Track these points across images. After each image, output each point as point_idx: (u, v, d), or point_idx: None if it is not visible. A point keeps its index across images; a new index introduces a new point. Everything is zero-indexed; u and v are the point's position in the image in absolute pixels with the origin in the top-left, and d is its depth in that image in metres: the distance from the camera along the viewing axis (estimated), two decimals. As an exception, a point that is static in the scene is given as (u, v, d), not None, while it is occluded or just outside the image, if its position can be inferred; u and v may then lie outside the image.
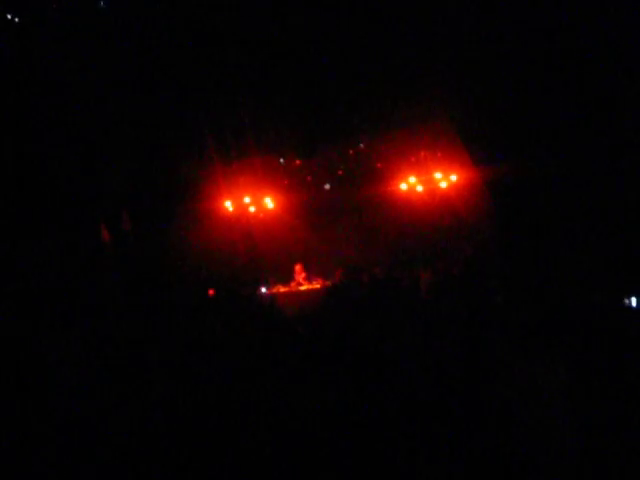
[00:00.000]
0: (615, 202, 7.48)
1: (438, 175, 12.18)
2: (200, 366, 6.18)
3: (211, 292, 12.19)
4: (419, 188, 12.54)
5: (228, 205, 12.95)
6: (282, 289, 12.13)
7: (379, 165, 12.65)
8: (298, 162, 12.35)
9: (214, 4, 8.42)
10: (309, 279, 12.24)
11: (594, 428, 3.83)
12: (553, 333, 5.11)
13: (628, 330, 5.12)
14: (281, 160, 12.39)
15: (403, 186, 12.68)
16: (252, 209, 13.18)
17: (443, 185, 12.20)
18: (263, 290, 12.18)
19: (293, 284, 12.21)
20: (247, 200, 12.96)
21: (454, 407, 4.42)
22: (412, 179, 12.50)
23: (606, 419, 3.89)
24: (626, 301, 6.25)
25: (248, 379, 5.37)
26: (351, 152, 12.25)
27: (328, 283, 11.78)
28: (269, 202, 13.19)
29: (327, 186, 13.31)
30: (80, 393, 5.29)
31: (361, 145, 11.99)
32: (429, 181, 12.37)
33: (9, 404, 4.84)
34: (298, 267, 12.47)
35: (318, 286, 11.83)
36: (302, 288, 11.97)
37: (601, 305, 5.86)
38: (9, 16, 8.18)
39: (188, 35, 8.52)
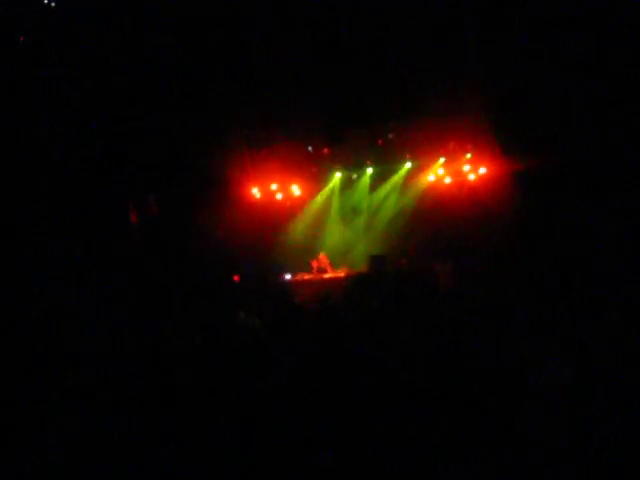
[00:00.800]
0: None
1: (466, 167, 12.05)
2: (220, 350, 6.24)
3: (236, 278, 12.32)
4: (447, 180, 12.43)
5: (255, 192, 12.99)
6: (306, 277, 12.18)
7: (408, 155, 12.56)
8: (326, 150, 12.30)
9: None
10: (333, 268, 12.27)
11: (596, 427, 3.80)
12: (570, 332, 5.04)
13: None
14: (309, 148, 12.35)
15: (431, 177, 12.59)
16: (279, 196, 13.20)
17: (471, 177, 12.07)
18: (287, 277, 12.24)
19: (316, 272, 12.26)
20: (274, 187, 12.98)
21: (469, 401, 4.39)
22: (440, 170, 12.39)
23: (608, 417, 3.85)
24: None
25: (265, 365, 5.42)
26: (380, 142, 12.14)
27: (353, 272, 11.76)
28: (296, 189, 13.21)
29: (354, 176, 13.29)
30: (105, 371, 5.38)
31: (390, 135, 11.87)
32: (458, 173, 12.24)
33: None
34: (322, 256, 12.52)
35: (342, 274, 11.83)
36: (326, 276, 12.00)
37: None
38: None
39: (217, 21, 8.55)
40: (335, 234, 13.56)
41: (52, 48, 8.51)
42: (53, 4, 8.06)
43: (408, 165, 12.69)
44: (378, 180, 13.21)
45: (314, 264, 12.41)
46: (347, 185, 13.49)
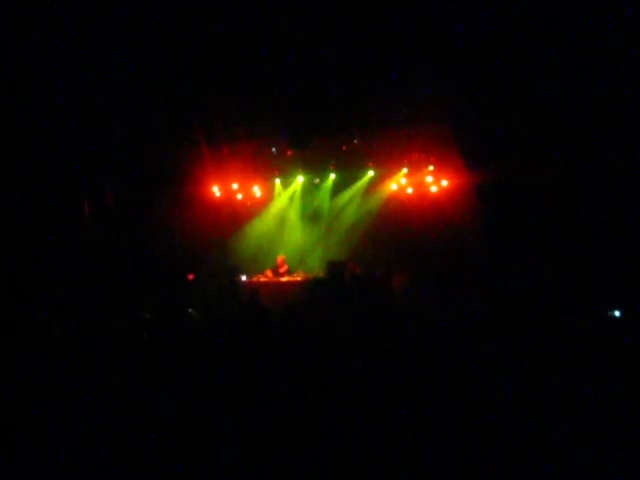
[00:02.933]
0: (602, 213, 7.45)
1: (429, 178, 12.12)
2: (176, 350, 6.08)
3: (190, 276, 12.09)
4: (409, 190, 12.48)
5: (215, 190, 12.79)
6: (262, 279, 12.03)
7: (370, 163, 12.58)
8: (290, 153, 12.20)
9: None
10: (289, 272, 12.16)
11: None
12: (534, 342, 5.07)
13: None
14: (273, 149, 12.22)
15: (393, 186, 12.63)
16: (239, 196, 13.04)
17: (434, 189, 12.14)
18: (243, 278, 12.06)
19: (272, 274, 12.13)
20: (235, 187, 12.81)
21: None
22: (403, 180, 12.44)
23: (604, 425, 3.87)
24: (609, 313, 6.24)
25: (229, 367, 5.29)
26: (344, 147, 12.10)
27: (310, 276, 11.68)
28: (257, 191, 13.07)
29: (316, 180, 13.24)
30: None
31: (355, 141, 11.84)
32: (420, 184, 12.30)
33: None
34: (280, 259, 12.40)
35: (299, 279, 11.73)
36: (283, 279, 11.88)
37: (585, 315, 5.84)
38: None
39: (181, 24, 8.36)
40: (294, 238, 13.47)
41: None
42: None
43: (371, 173, 12.72)
44: (340, 186, 13.18)
45: (278, 268, 12.27)
46: (309, 189, 13.42)
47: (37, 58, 8.47)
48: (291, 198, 13.47)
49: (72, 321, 6.66)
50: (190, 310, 7.75)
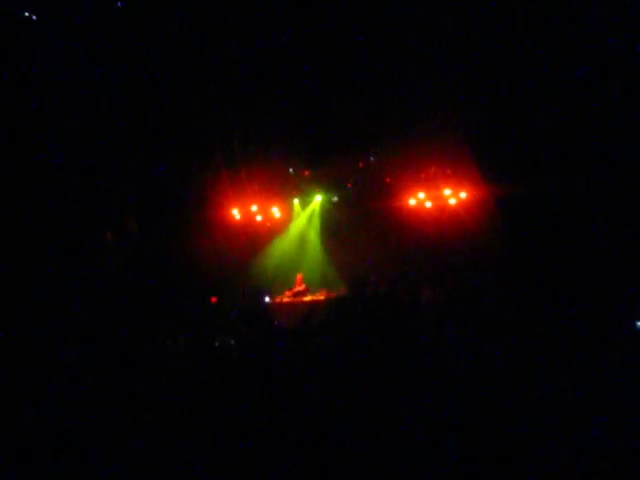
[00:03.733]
0: (626, 222, 7.37)
1: (447, 192, 12.08)
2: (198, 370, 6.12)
3: (214, 300, 12.14)
4: (428, 204, 12.45)
5: (235, 213, 12.88)
6: (286, 299, 12.04)
7: (388, 180, 12.59)
8: (307, 172, 12.28)
9: (224, 14, 8.44)
10: (311, 291, 12.14)
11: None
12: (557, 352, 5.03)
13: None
14: (290, 170, 12.30)
15: (412, 201, 12.60)
16: (259, 218, 13.11)
17: (452, 202, 12.10)
18: (267, 300, 12.09)
19: (291, 294, 12.13)
20: (254, 208, 12.89)
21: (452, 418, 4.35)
22: (421, 195, 12.41)
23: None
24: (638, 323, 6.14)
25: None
26: (361, 165, 12.15)
27: (333, 295, 11.67)
28: (276, 211, 13.14)
29: (335, 198, 13.27)
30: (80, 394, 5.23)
31: (371, 158, 11.89)
32: (438, 197, 12.27)
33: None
34: (299, 277, 12.41)
35: (322, 297, 11.72)
36: (306, 299, 11.87)
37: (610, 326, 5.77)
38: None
39: (198, 40, 8.51)
40: (315, 257, 13.48)
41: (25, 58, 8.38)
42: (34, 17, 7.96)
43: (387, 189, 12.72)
44: (358, 203, 13.20)
45: (297, 286, 12.28)
46: (328, 207, 13.46)
47: (53, 83, 8.64)
48: (310, 217, 13.51)
49: (96, 349, 6.74)
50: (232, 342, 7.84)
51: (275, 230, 13.51)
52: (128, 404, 5.08)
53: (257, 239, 13.40)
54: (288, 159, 11.92)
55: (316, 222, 13.52)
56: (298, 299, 11.98)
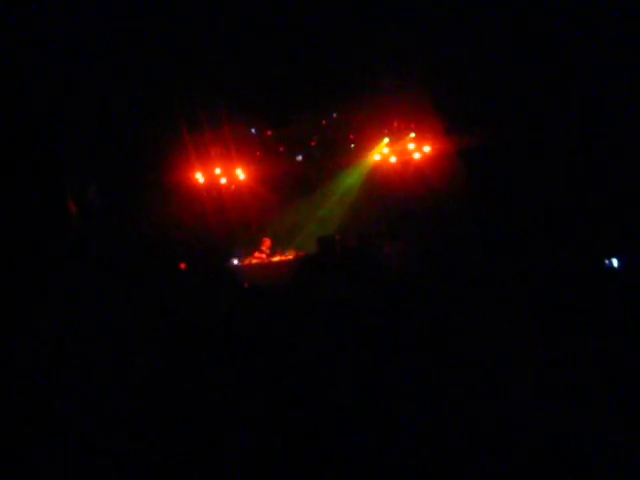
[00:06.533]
0: (593, 165, 7.48)
1: (411, 146, 12.13)
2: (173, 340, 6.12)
3: (182, 266, 12.06)
4: (392, 159, 12.50)
5: (199, 177, 12.70)
6: (254, 261, 12.04)
7: (352, 136, 12.56)
8: (270, 132, 12.13)
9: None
10: (277, 252, 12.16)
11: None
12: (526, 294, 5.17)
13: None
14: (253, 130, 12.14)
15: (376, 157, 12.63)
16: (223, 180, 12.96)
17: (416, 156, 12.16)
18: (235, 262, 12.07)
19: (263, 256, 12.13)
20: (218, 171, 12.72)
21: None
22: (385, 150, 12.45)
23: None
24: (606, 262, 6.31)
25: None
26: (324, 122, 12.05)
27: (302, 254, 11.72)
28: (240, 173, 13.00)
29: (299, 157, 13.19)
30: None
31: (334, 115, 11.79)
32: (403, 152, 12.32)
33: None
34: (265, 240, 12.41)
35: (291, 257, 11.76)
36: (275, 259, 11.89)
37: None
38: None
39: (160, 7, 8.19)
40: (282, 217, 13.47)
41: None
42: None
43: (352, 145, 12.70)
44: (323, 161, 13.17)
45: (263, 248, 12.30)
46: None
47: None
48: (276, 178, 13.42)
49: (71, 318, 6.67)
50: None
51: (240, 192, 13.40)
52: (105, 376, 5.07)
53: (222, 202, 13.27)
54: (250, 120, 11.73)
55: (282, 183, 13.46)
56: (267, 260, 12.00)
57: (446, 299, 6.08)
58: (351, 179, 13.10)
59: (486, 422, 3.75)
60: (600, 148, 7.41)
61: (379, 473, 3.46)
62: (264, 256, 12.14)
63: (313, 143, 12.72)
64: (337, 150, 12.87)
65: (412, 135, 12.03)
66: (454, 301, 5.90)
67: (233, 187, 13.29)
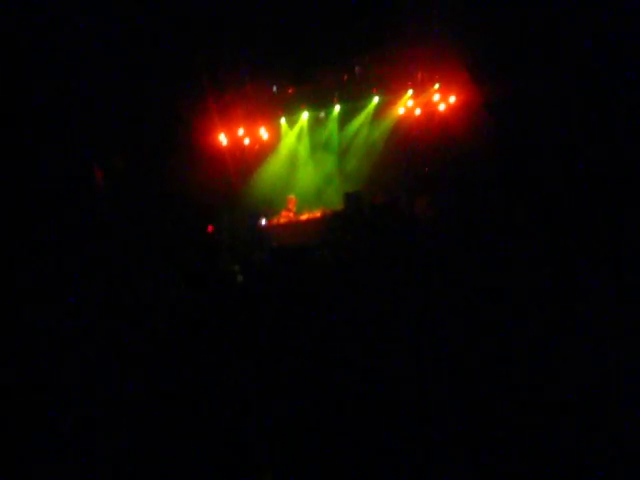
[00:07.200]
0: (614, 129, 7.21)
1: (436, 97, 11.89)
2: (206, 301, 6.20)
3: (210, 228, 12.13)
4: (417, 111, 12.29)
5: (222, 138, 12.64)
6: (282, 220, 12.05)
7: (375, 90, 12.33)
8: (291, 90, 11.96)
9: None
10: (305, 210, 12.13)
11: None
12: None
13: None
14: (274, 88, 11.97)
15: (401, 110, 12.43)
16: (247, 141, 12.89)
17: (442, 107, 11.93)
18: (263, 222, 12.10)
19: (290, 214, 12.13)
20: (241, 132, 12.65)
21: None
22: (410, 102, 12.23)
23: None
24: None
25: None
26: (345, 77, 11.83)
27: (329, 211, 11.66)
28: (264, 133, 12.90)
29: (322, 114, 13.04)
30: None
31: (356, 69, 11.56)
32: (427, 104, 12.09)
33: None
34: (291, 199, 12.39)
35: (318, 215, 11.73)
36: (302, 217, 11.88)
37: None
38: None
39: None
40: (307, 175, 13.41)
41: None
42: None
43: (376, 99, 12.49)
44: (347, 117, 13.00)
45: (289, 207, 12.29)
46: (316, 124, 13.25)
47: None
48: (299, 136, 13.32)
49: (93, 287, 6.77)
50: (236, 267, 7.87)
51: (264, 152, 13.34)
52: (129, 339, 5.16)
53: (247, 163, 13.24)
54: (271, 78, 11.57)
55: (305, 140, 13.36)
56: (295, 218, 12.00)
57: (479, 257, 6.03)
58: (377, 133, 12.94)
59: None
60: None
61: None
62: (291, 214, 12.12)
63: (335, 99, 12.52)
64: (360, 105, 12.68)
65: (437, 86, 11.77)
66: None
67: (257, 147, 13.22)
